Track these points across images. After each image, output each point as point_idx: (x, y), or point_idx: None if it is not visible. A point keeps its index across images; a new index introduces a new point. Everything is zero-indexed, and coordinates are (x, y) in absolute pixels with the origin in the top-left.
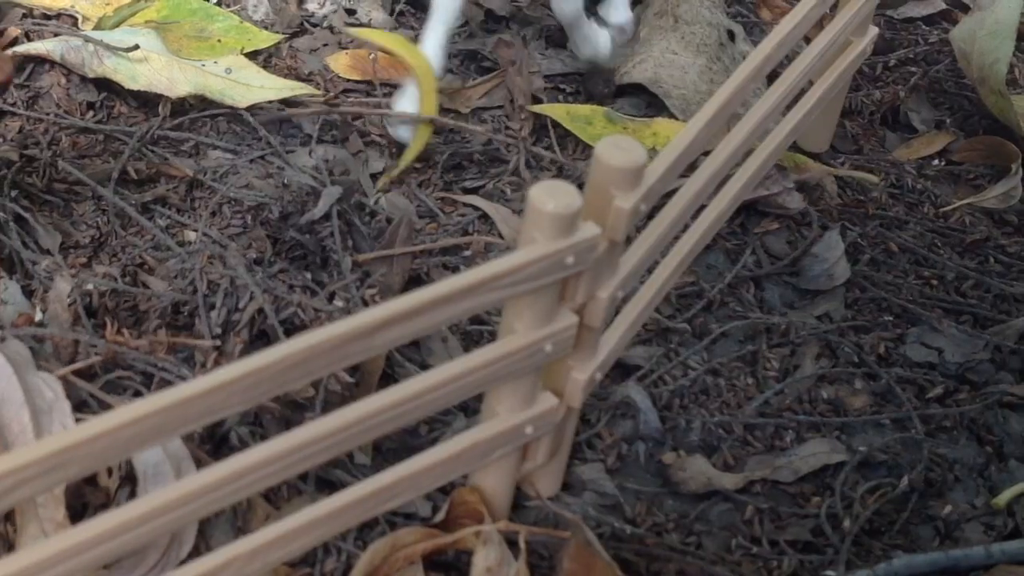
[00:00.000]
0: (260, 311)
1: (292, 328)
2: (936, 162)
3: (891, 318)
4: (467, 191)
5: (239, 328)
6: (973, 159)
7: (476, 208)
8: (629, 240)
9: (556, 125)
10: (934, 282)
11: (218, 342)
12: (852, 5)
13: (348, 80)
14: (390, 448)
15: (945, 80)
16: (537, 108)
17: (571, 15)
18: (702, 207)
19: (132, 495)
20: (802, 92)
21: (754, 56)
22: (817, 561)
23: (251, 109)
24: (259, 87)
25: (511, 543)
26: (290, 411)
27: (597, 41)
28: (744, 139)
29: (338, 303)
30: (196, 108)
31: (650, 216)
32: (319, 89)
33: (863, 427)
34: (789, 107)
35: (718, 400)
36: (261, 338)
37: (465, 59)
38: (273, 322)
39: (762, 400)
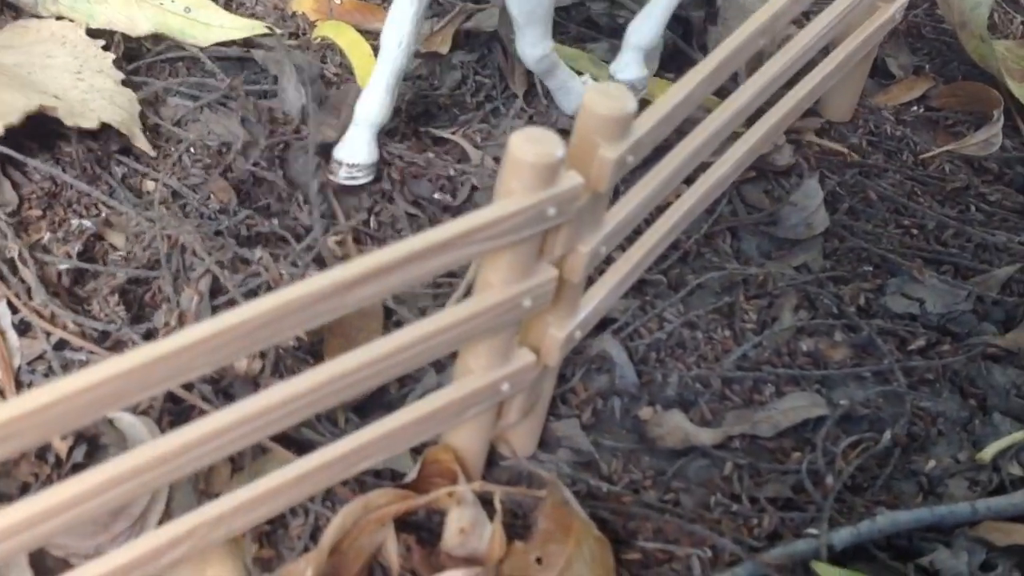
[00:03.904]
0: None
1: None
2: (915, 108)
3: (871, 268)
4: (436, 140)
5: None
6: (953, 105)
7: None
8: (618, 196)
9: None
10: (914, 231)
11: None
12: None
13: (313, 22)
14: (359, 407)
15: (924, 24)
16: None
17: (539, 62)
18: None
19: (88, 456)
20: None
21: (764, 10)
22: (799, 519)
23: (210, 50)
24: (219, 26)
25: (486, 503)
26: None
27: (583, 93)
28: (750, 100)
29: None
30: (151, 52)
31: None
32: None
33: (844, 380)
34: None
35: (695, 353)
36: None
37: None
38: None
39: (740, 353)
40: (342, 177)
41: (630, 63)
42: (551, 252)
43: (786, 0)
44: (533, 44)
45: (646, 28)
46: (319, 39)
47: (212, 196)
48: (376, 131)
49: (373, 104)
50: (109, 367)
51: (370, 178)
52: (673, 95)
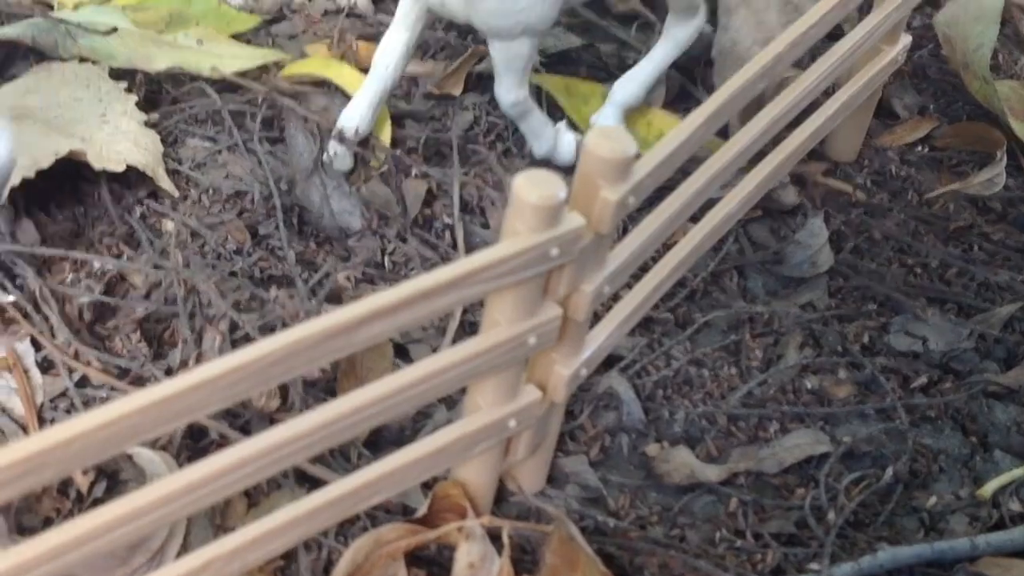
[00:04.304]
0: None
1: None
2: (919, 148)
3: (875, 307)
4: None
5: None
6: (956, 145)
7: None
8: (626, 232)
9: (550, 100)
10: (918, 270)
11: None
12: (882, 10)
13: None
14: (369, 441)
15: (928, 66)
16: (537, 78)
17: (513, 107)
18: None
19: (109, 491)
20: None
21: (764, 54)
22: (801, 554)
23: (227, 96)
24: (232, 57)
25: (494, 538)
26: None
27: (556, 142)
28: (752, 141)
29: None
30: (170, 94)
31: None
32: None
33: (847, 417)
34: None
35: (701, 391)
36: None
37: (462, 33)
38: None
39: (746, 390)
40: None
41: (609, 116)
42: (555, 291)
43: (784, 45)
44: (508, 90)
45: (630, 87)
46: (297, 76)
47: (229, 237)
48: (355, 144)
49: (354, 118)
50: (128, 403)
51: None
52: (673, 138)
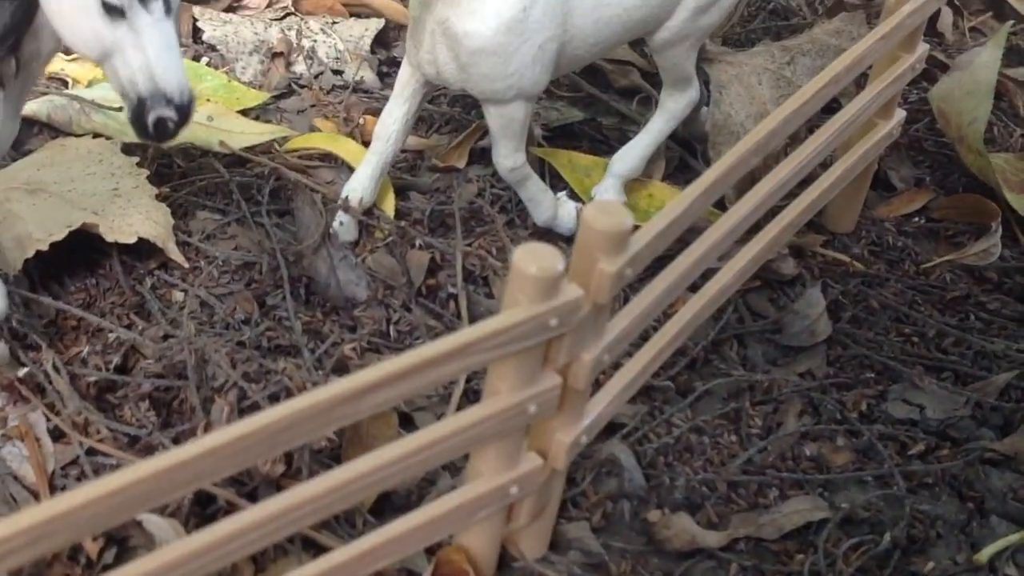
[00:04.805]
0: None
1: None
2: (916, 219)
3: (873, 375)
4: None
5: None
6: (953, 216)
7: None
8: (626, 302)
9: (553, 174)
10: (915, 339)
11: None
12: (876, 85)
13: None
14: (374, 508)
15: (924, 139)
16: (540, 151)
17: (511, 173)
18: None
19: (118, 558)
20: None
21: (758, 130)
22: None
23: (235, 170)
24: (240, 132)
25: None
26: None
27: (557, 211)
28: (749, 213)
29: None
30: (181, 168)
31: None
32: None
33: (846, 484)
34: (805, 183)
35: (702, 458)
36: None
37: (465, 107)
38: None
39: (745, 457)
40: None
41: (609, 189)
42: (555, 360)
43: (778, 122)
44: (506, 156)
45: (629, 159)
46: (303, 150)
47: (237, 307)
48: (359, 213)
49: (357, 189)
50: (138, 470)
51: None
52: (669, 212)
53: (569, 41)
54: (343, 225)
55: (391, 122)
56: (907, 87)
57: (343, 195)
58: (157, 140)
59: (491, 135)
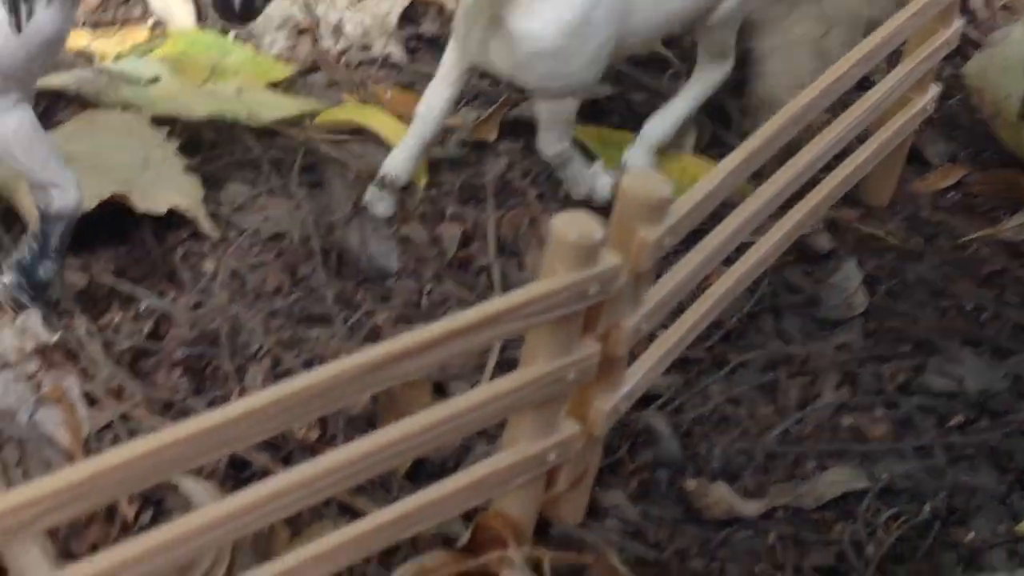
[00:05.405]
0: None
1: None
2: (951, 194)
3: (910, 348)
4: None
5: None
6: (988, 192)
7: None
8: (661, 274)
9: (584, 150)
10: (952, 313)
11: None
12: (910, 61)
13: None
14: (410, 473)
15: (959, 114)
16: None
17: (556, 157)
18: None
19: (154, 520)
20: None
21: (796, 102)
22: None
23: (265, 139)
24: (270, 105)
25: (535, 568)
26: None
27: (593, 183)
28: (785, 186)
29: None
30: (210, 139)
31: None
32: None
33: (884, 455)
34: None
35: (738, 428)
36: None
37: (495, 80)
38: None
39: (783, 428)
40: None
41: (640, 155)
42: (594, 328)
43: (816, 92)
44: (552, 144)
45: (662, 124)
46: (332, 123)
47: (268, 277)
48: (397, 191)
49: (396, 167)
50: (174, 432)
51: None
52: (709, 181)
53: (627, 36)
54: (378, 201)
55: (435, 103)
56: (941, 62)
57: (381, 172)
58: (242, 20)
59: (538, 123)
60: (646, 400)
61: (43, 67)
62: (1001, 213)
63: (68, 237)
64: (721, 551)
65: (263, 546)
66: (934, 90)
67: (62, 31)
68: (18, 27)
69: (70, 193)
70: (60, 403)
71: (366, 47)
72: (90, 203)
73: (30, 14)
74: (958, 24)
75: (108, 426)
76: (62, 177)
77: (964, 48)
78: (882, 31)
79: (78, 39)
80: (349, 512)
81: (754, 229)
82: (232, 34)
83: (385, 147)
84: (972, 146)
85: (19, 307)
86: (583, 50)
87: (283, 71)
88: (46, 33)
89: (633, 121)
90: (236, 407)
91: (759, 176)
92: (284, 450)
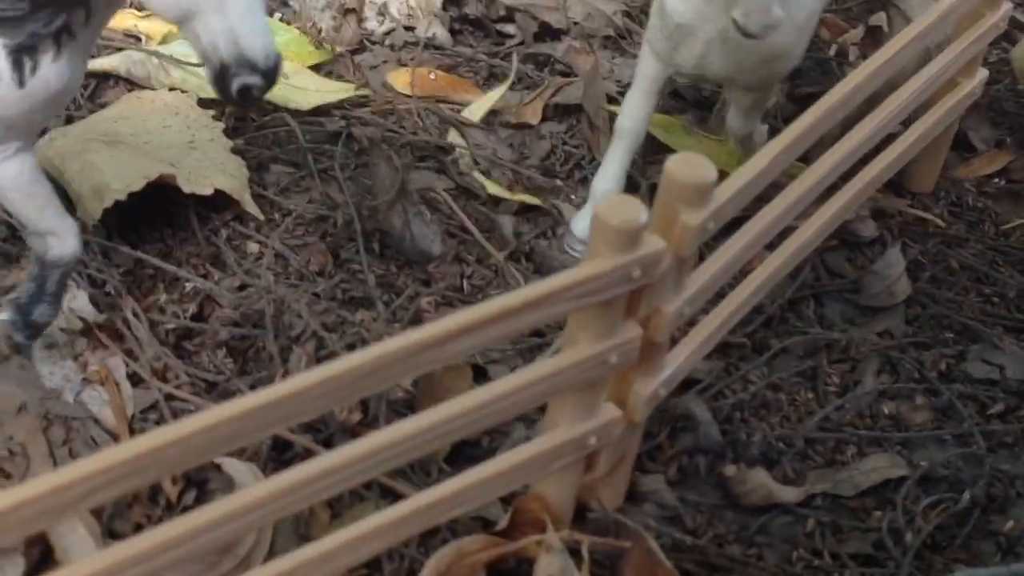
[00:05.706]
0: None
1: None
2: (996, 180)
3: (952, 335)
4: (529, 207)
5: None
6: None
7: None
8: (702, 258)
9: (650, 136)
10: (995, 300)
11: None
12: (958, 44)
13: (408, 96)
14: (449, 457)
15: (1005, 99)
16: (616, 108)
17: (750, 131)
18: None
19: (197, 500)
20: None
21: (842, 85)
22: (879, 574)
23: (310, 123)
24: (316, 90)
25: (573, 552)
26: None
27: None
28: (830, 171)
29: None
30: (256, 122)
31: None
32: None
33: (924, 442)
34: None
35: (778, 414)
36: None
37: (538, 64)
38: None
39: (823, 415)
40: (579, 252)
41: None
42: (636, 312)
43: (864, 76)
44: (754, 120)
45: (739, 124)
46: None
47: (312, 259)
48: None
49: (612, 188)
50: (218, 413)
51: None
52: (753, 165)
53: None
54: (582, 220)
55: (639, 117)
56: (987, 47)
57: (594, 188)
58: (241, 106)
59: (735, 110)
60: (686, 385)
61: (48, 118)
62: None
63: (65, 282)
64: (759, 537)
65: (303, 528)
66: (982, 74)
67: (70, 86)
68: (20, 83)
69: (68, 242)
70: (105, 383)
71: (410, 28)
72: (137, 184)
73: (34, 69)
74: (1006, 7)
75: (153, 406)
76: (60, 225)
77: (1010, 32)
78: (933, 12)
79: (125, 20)
80: (389, 494)
81: (798, 214)
82: (278, 15)
83: (425, 127)
84: (1018, 132)
85: (15, 347)
86: (803, 44)
87: (329, 53)
88: (52, 88)
89: (677, 103)
90: (279, 389)
91: (804, 160)
92: (325, 432)
